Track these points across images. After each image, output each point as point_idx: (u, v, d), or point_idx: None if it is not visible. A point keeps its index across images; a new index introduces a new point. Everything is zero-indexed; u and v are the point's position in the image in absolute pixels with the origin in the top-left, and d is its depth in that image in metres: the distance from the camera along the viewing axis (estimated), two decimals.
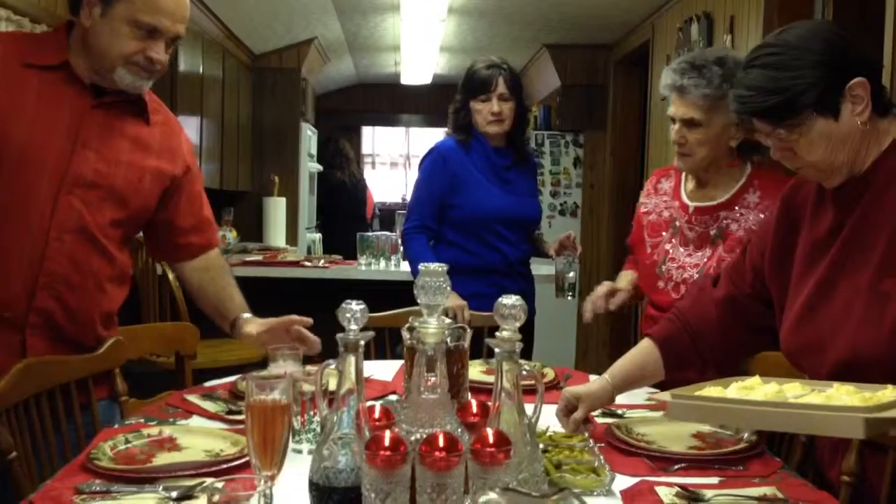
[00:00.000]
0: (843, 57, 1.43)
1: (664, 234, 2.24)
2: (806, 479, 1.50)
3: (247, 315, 1.97)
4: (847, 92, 1.43)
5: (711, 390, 1.41)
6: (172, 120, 2.03)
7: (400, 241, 2.96)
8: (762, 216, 2.07)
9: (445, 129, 3.01)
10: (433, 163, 2.89)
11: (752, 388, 1.39)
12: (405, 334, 1.59)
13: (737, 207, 2.13)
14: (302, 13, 5.74)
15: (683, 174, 2.25)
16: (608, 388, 1.69)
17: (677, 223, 2.22)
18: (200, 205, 2.07)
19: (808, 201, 1.60)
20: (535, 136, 6.08)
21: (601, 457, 1.48)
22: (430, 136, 10.04)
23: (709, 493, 1.35)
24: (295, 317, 1.86)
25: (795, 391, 1.36)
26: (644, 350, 1.76)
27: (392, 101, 9.26)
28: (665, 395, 1.42)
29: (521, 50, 7.09)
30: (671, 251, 2.20)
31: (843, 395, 1.29)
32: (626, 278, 2.41)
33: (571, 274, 2.79)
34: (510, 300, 1.27)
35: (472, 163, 2.86)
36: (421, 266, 1.33)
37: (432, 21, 5.87)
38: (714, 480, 1.43)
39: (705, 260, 2.14)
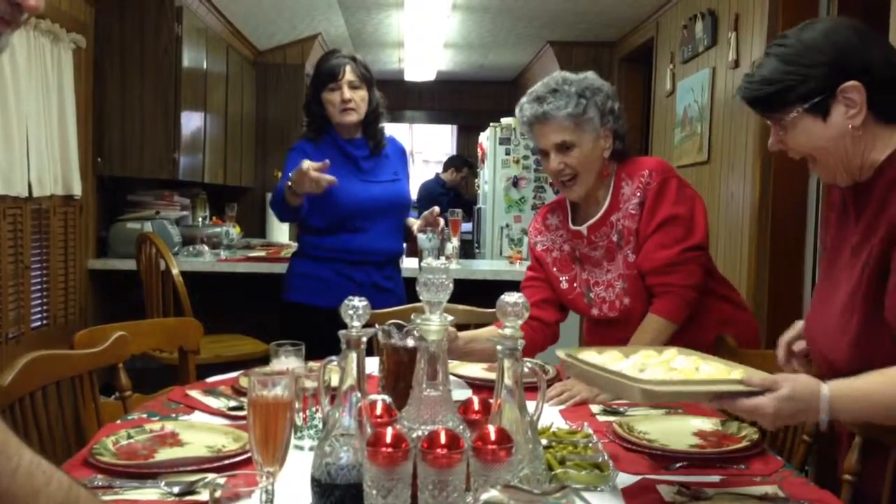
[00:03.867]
0: (845, 60, 1.44)
1: (574, 266, 2.24)
2: (807, 477, 1.50)
3: None
4: (839, 94, 1.44)
5: (598, 355, 1.49)
6: None
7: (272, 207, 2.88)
8: (636, 198, 2.11)
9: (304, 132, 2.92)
10: (295, 156, 2.80)
11: (649, 357, 1.50)
12: (380, 335, 1.61)
13: (621, 205, 2.14)
14: (306, 9, 5.74)
15: (568, 205, 2.25)
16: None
17: (577, 252, 2.22)
18: None
19: (838, 193, 1.63)
20: None
21: (605, 453, 1.48)
22: (435, 132, 10.05)
23: (710, 492, 1.35)
24: None
25: (692, 363, 1.46)
26: None
27: (396, 98, 9.24)
28: (561, 353, 1.51)
29: (525, 46, 7.09)
30: (590, 277, 2.21)
31: (706, 371, 1.42)
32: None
33: (428, 248, 2.82)
34: (512, 297, 1.27)
35: (325, 157, 2.76)
36: (423, 263, 1.32)
37: (436, 17, 5.86)
38: (715, 479, 1.43)
39: (620, 266, 2.15)
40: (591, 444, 1.52)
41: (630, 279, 2.13)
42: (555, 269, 2.27)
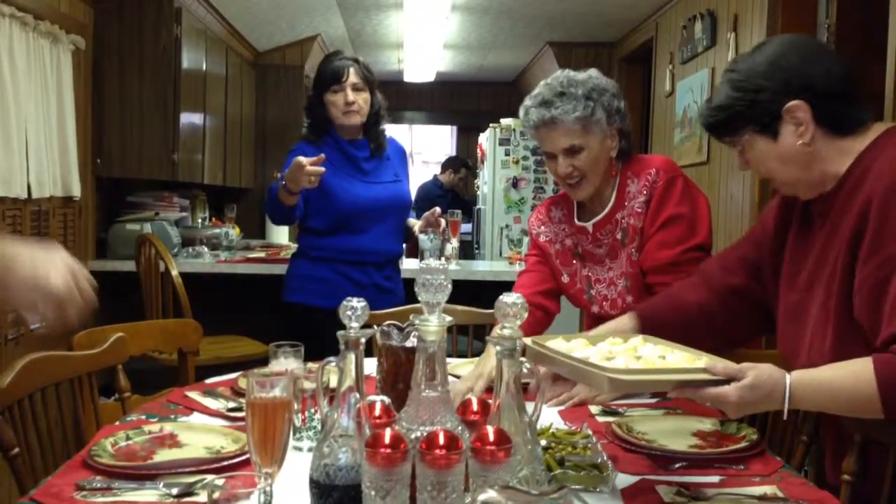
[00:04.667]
0: (787, 82, 1.50)
1: (575, 262, 2.24)
2: (806, 478, 1.50)
3: None
4: (785, 114, 1.50)
5: (565, 343, 1.52)
6: None
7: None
8: (643, 196, 2.11)
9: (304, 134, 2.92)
10: (293, 156, 2.77)
11: (615, 344, 1.53)
12: (379, 336, 1.61)
13: (626, 203, 2.14)
14: (305, 10, 5.74)
15: (574, 200, 2.24)
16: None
17: (579, 249, 2.22)
18: None
19: (798, 204, 1.65)
20: None
21: (604, 453, 1.48)
22: (434, 133, 10.05)
23: (709, 492, 1.35)
24: None
25: (659, 352, 1.49)
26: (621, 320, 1.85)
27: (395, 99, 9.25)
28: (528, 340, 1.52)
29: (524, 47, 7.09)
30: (592, 274, 2.20)
31: (672, 360, 1.44)
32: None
33: (430, 248, 2.82)
34: (511, 298, 1.27)
35: (326, 158, 2.77)
36: (422, 264, 1.33)
37: (435, 18, 5.86)
38: (715, 479, 1.43)
39: (624, 264, 2.15)
40: (590, 445, 1.52)
41: (633, 277, 2.13)
42: (557, 262, 2.27)
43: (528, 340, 1.53)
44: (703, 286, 1.81)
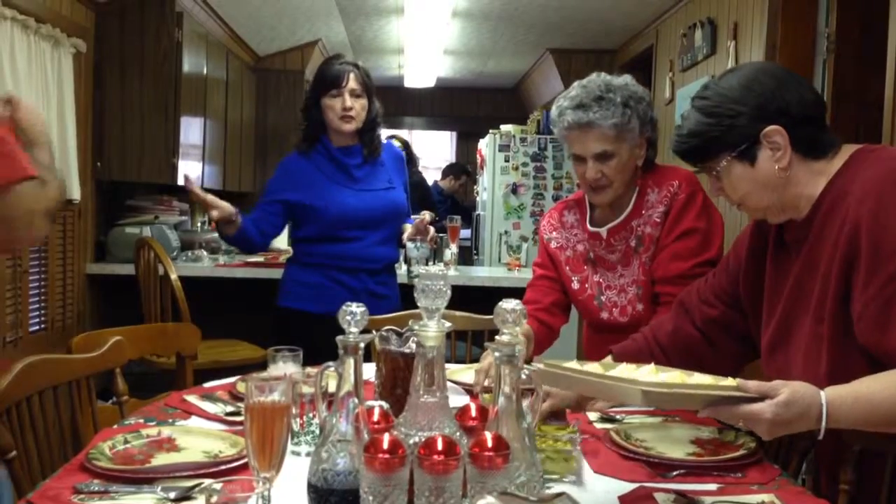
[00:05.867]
0: (763, 106, 1.49)
1: (586, 267, 2.23)
2: (804, 486, 1.50)
3: None
4: (763, 139, 1.49)
5: (580, 367, 1.47)
6: None
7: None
8: (662, 206, 2.12)
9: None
10: (281, 171, 2.88)
11: (631, 370, 1.48)
12: (378, 341, 1.61)
13: (644, 211, 2.14)
14: (306, 15, 5.75)
15: (587, 205, 2.24)
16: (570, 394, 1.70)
17: (592, 254, 2.22)
18: None
19: (772, 231, 1.64)
20: (538, 140, 6.08)
21: (578, 448, 1.50)
22: (434, 139, 10.06)
23: (707, 500, 1.35)
24: None
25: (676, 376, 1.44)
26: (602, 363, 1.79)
27: (395, 104, 9.27)
28: (540, 365, 1.49)
29: (524, 54, 7.10)
30: (603, 280, 2.20)
31: (698, 378, 1.40)
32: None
33: (416, 257, 2.81)
34: (510, 304, 1.27)
35: (317, 167, 2.80)
36: (421, 269, 1.33)
37: (436, 24, 5.88)
38: (712, 487, 1.43)
39: (636, 272, 2.15)
40: (570, 439, 1.51)
41: (645, 286, 2.13)
42: (567, 269, 2.26)
43: (542, 364, 1.51)
44: (684, 319, 1.80)
